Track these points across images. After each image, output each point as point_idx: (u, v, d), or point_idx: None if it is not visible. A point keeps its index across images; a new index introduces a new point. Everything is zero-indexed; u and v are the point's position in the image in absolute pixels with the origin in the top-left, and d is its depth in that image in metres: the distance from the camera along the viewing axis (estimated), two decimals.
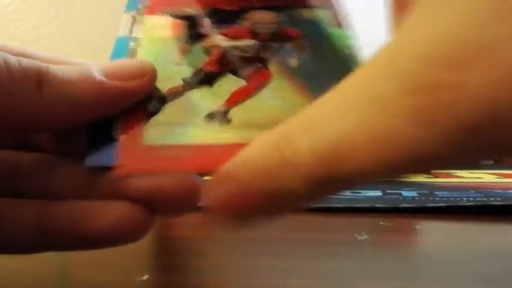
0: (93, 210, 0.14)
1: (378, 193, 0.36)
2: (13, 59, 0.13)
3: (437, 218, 0.27)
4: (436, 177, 0.52)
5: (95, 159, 0.14)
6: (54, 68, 0.14)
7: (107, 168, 0.14)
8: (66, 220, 0.14)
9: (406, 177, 0.50)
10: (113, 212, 0.14)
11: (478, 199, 0.30)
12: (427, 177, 0.52)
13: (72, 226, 0.14)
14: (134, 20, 0.17)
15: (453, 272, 0.16)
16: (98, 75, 0.14)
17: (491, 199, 0.30)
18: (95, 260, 0.18)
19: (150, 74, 0.15)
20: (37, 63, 0.14)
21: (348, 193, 0.36)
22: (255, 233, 0.24)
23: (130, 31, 0.17)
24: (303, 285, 0.15)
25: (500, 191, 0.35)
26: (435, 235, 0.24)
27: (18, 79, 0.13)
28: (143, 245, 0.20)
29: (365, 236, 0.22)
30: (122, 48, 0.16)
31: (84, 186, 0.15)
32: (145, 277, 0.15)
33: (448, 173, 0.58)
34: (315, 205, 0.30)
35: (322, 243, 0.21)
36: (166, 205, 0.14)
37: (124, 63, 0.15)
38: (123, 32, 0.17)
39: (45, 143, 0.17)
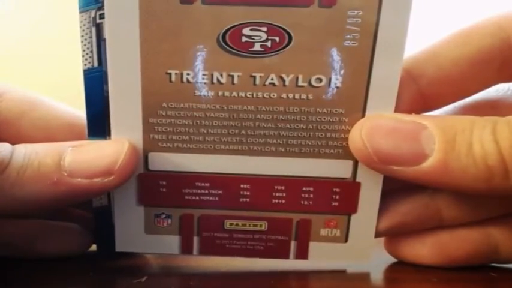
0: (45, 232, 0.17)
1: None
2: None
3: None
4: None
5: (105, 248, 0.17)
6: (13, 163, 0.13)
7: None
8: (18, 238, 0.16)
9: None
10: (60, 237, 0.17)
11: None
12: None
13: (24, 245, 0.17)
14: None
15: (454, 272, 0.16)
16: (57, 174, 0.14)
17: None
18: (93, 262, 0.18)
19: (120, 172, 0.14)
20: (1, 154, 0.13)
21: None
22: None
23: (99, 60, 0.15)
24: (303, 285, 0.15)
25: None
26: None
27: None
28: None
29: None
30: (96, 88, 0.15)
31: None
32: (144, 279, 0.15)
33: None
34: None
35: None
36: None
37: (97, 153, 0.14)
38: (87, 61, 0.15)
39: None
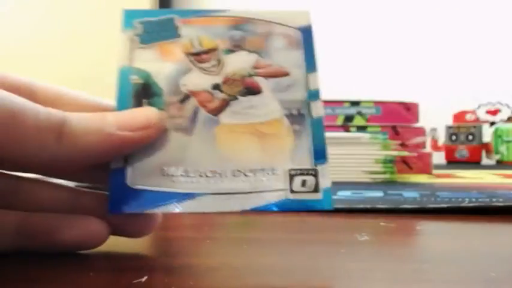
0: (67, 222, 0.18)
1: (379, 194, 0.36)
2: (42, 111, 0.16)
3: (439, 218, 0.27)
4: (437, 177, 0.52)
5: (116, 207, 0.18)
6: (73, 121, 0.16)
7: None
8: (44, 227, 0.18)
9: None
10: (82, 226, 0.18)
11: (480, 200, 0.30)
12: (429, 178, 0.51)
13: (48, 233, 0.18)
14: (133, 46, 0.19)
15: (454, 273, 0.16)
16: (109, 128, 0.17)
17: (493, 200, 0.30)
18: (93, 262, 0.18)
19: (156, 126, 0.18)
20: (59, 114, 0.16)
21: (348, 193, 0.36)
22: (255, 233, 0.24)
23: (131, 60, 0.19)
24: (303, 286, 0.15)
25: (503, 192, 0.35)
26: (436, 236, 0.24)
27: (43, 131, 0.15)
28: (142, 246, 0.20)
29: (365, 237, 0.22)
30: (126, 82, 0.19)
31: (66, 205, 0.19)
32: (144, 278, 0.15)
33: (450, 174, 0.58)
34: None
35: (322, 244, 0.21)
36: (128, 232, 0.19)
37: (134, 114, 0.18)
38: (122, 61, 0.19)
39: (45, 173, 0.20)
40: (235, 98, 0.19)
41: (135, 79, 0.19)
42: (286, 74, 0.19)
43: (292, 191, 0.18)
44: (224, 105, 0.19)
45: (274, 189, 0.18)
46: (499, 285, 0.15)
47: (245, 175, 0.18)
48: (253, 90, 0.19)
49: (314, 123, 0.19)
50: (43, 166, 0.18)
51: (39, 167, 0.18)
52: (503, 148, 0.84)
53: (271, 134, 0.19)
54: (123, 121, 0.17)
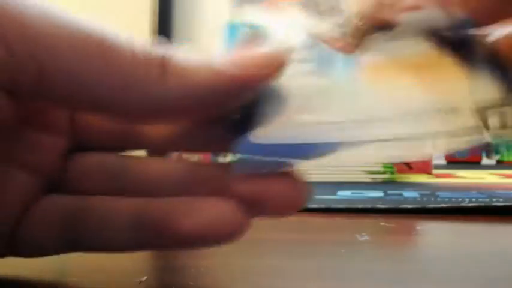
0: (188, 207, 0.14)
1: (379, 193, 0.36)
2: (138, 43, 0.13)
3: (439, 218, 0.27)
4: (437, 177, 0.52)
5: (242, 167, 0.14)
6: (178, 56, 0.13)
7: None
8: (161, 215, 0.14)
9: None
10: (208, 210, 0.14)
11: (480, 200, 0.30)
12: (429, 178, 0.51)
13: (166, 222, 0.14)
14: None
15: (454, 273, 0.16)
16: (221, 65, 0.13)
17: (494, 200, 0.30)
18: (93, 262, 0.18)
19: (278, 64, 0.14)
20: (161, 49, 0.13)
21: (348, 193, 0.36)
22: (255, 233, 0.24)
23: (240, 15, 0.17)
24: (303, 286, 0.15)
25: (503, 192, 0.35)
26: (437, 236, 0.24)
27: (142, 65, 0.13)
28: None
29: (366, 237, 0.22)
30: (236, 37, 0.16)
31: (184, 184, 0.15)
32: (144, 278, 0.15)
33: (450, 174, 0.58)
34: (315, 206, 0.30)
35: (322, 244, 0.21)
36: (271, 207, 0.14)
37: (250, 51, 0.14)
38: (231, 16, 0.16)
39: (150, 141, 0.16)
40: (369, 34, 0.16)
41: (247, 32, 0.16)
42: None
43: (488, 129, 0.14)
44: (358, 43, 0.16)
45: (462, 128, 0.14)
46: (499, 285, 0.15)
47: (415, 116, 0.14)
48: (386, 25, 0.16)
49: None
50: (145, 111, 0.13)
51: (142, 112, 0.14)
52: (503, 148, 0.84)
53: (431, 65, 0.15)
54: (238, 58, 0.13)
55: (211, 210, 0.13)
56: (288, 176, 0.14)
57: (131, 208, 0.14)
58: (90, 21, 0.12)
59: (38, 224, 0.14)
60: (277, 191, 0.14)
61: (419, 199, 0.32)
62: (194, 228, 0.13)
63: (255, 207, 0.14)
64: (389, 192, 0.36)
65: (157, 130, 0.16)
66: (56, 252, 0.15)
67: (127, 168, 0.15)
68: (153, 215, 0.14)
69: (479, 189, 0.38)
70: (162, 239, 0.14)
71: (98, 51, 0.12)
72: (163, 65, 0.13)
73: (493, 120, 0.14)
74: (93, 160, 0.16)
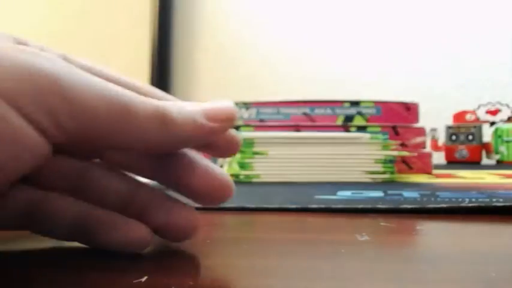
0: (113, 224, 0.18)
1: (379, 194, 0.36)
2: (148, 102, 0.17)
3: (439, 218, 0.27)
4: (437, 177, 0.52)
5: None
6: (173, 111, 0.17)
7: None
8: (96, 225, 0.18)
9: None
10: (126, 230, 0.18)
11: (480, 200, 0.30)
12: (429, 178, 0.51)
13: (97, 231, 0.18)
14: None
15: (455, 273, 0.16)
16: (201, 118, 0.18)
17: (494, 200, 0.30)
18: (93, 262, 0.18)
19: (234, 119, 0.19)
20: (160, 104, 0.17)
21: (348, 193, 0.36)
22: (255, 233, 0.24)
23: None
24: (303, 286, 0.15)
25: (503, 192, 0.35)
26: (437, 236, 0.24)
27: (152, 123, 0.17)
28: None
29: (366, 237, 0.22)
30: None
31: (124, 201, 0.19)
32: (144, 279, 0.15)
33: (450, 174, 0.58)
34: (315, 206, 0.30)
35: (322, 244, 0.21)
36: (170, 237, 0.20)
37: (220, 106, 0.18)
38: None
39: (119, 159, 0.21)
40: None
41: None
42: None
43: None
44: None
45: None
46: (499, 285, 0.15)
47: None
48: None
49: None
50: (147, 152, 0.20)
51: (144, 153, 0.20)
52: (503, 148, 0.84)
53: None
54: (211, 112, 0.18)
55: (131, 231, 0.18)
56: (183, 208, 0.19)
57: (75, 210, 0.18)
58: (118, 90, 0.16)
59: (6, 205, 0.18)
60: (173, 225, 0.19)
61: (419, 199, 0.32)
62: (114, 242, 0.18)
63: (160, 231, 0.19)
64: (389, 192, 0.36)
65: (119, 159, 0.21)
66: (16, 229, 0.19)
67: (88, 174, 0.19)
68: (91, 222, 0.18)
69: (479, 189, 0.38)
70: (90, 244, 0.19)
71: (126, 119, 0.16)
72: (164, 120, 0.17)
73: None
74: (61, 162, 0.19)
